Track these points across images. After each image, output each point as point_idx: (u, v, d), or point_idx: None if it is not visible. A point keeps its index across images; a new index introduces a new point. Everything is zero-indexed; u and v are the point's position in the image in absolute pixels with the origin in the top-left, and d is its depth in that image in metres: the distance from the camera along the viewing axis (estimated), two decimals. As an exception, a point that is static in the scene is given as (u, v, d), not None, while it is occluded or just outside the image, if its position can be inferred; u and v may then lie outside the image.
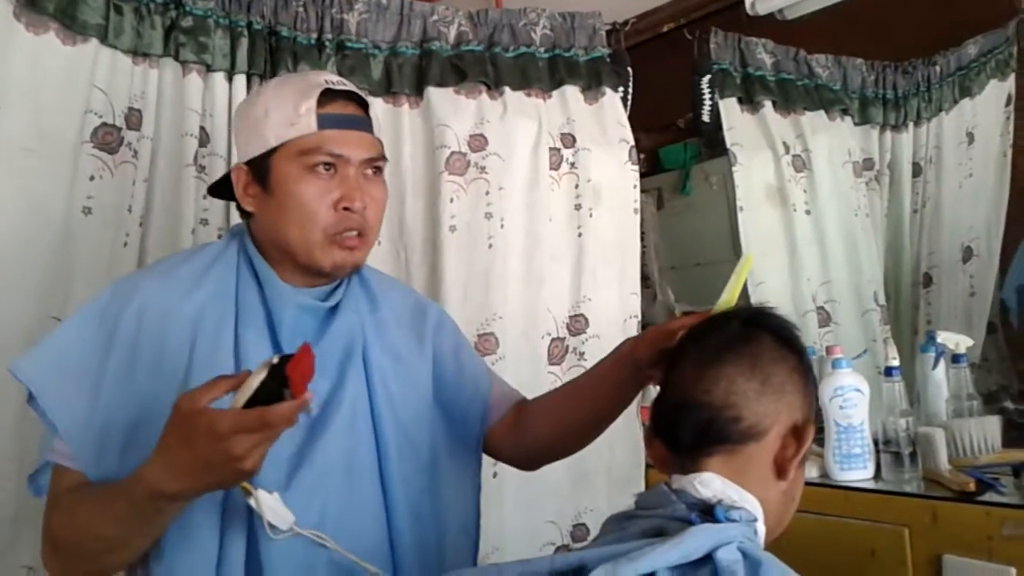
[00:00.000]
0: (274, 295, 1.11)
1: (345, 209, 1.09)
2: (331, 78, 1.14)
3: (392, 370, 1.17)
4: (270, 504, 0.98)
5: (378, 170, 1.15)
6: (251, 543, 1.01)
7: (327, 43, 1.87)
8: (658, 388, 1.04)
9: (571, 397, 1.28)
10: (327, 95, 1.10)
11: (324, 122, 1.09)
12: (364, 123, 1.14)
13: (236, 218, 1.70)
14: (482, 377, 1.31)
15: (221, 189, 1.23)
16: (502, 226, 1.96)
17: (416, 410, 1.18)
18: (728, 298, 1.08)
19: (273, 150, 1.09)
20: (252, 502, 0.97)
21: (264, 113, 1.10)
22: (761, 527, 0.91)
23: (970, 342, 1.72)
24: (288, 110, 1.09)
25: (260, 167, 1.11)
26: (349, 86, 1.15)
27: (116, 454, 1.01)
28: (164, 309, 1.07)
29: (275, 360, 0.86)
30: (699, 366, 0.95)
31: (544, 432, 1.26)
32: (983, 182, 1.95)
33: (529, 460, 1.34)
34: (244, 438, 0.84)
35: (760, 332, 0.97)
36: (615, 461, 1.99)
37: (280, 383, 0.84)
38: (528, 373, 1.92)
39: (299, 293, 1.13)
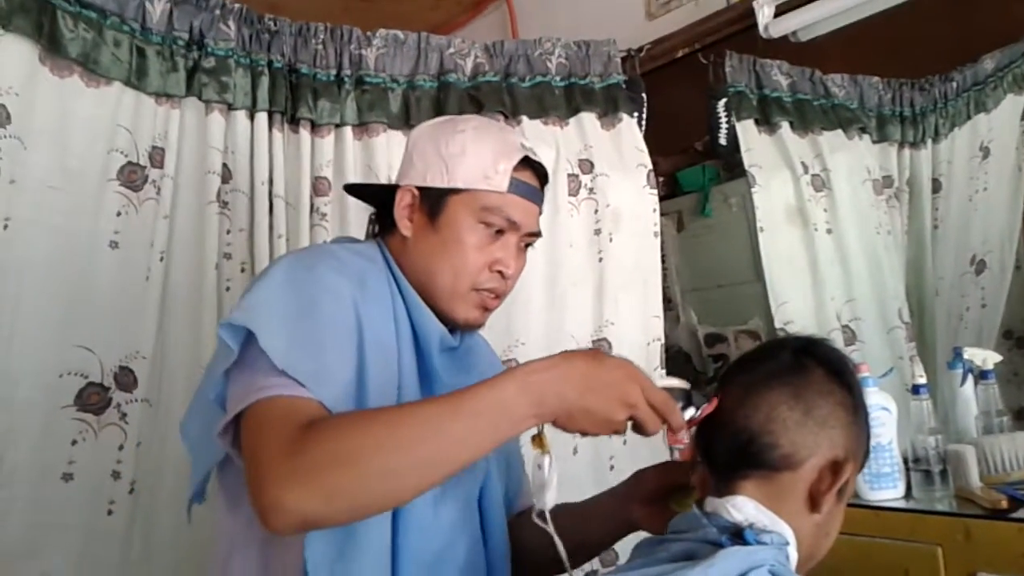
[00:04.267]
0: (422, 324, 1.12)
1: (499, 272, 1.14)
2: (526, 143, 1.19)
3: None
4: (555, 479, 0.97)
5: (530, 245, 1.20)
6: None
7: (346, 79, 1.90)
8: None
9: (572, 517, 1.15)
10: (523, 162, 1.14)
11: (514, 187, 1.13)
12: (541, 199, 1.19)
13: (260, 253, 1.75)
14: (516, 453, 1.31)
15: (362, 191, 1.30)
16: (523, 253, 1.96)
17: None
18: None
19: (456, 190, 1.13)
20: (545, 462, 0.97)
21: (460, 151, 1.13)
22: (793, 552, 0.91)
23: (998, 358, 1.70)
24: (486, 162, 1.12)
25: (435, 199, 1.14)
26: (540, 158, 1.19)
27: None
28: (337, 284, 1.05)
29: (687, 387, 0.98)
30: (745, 390, 0.96)
31: (535, 545, 1.12)
32: (997, 196, 1.95)
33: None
34: (641, 393, 0.91)
35: (811, 363, 0.97)
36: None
37: (684, 404, 0.96)
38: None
39: (442, 332, 1.14)
